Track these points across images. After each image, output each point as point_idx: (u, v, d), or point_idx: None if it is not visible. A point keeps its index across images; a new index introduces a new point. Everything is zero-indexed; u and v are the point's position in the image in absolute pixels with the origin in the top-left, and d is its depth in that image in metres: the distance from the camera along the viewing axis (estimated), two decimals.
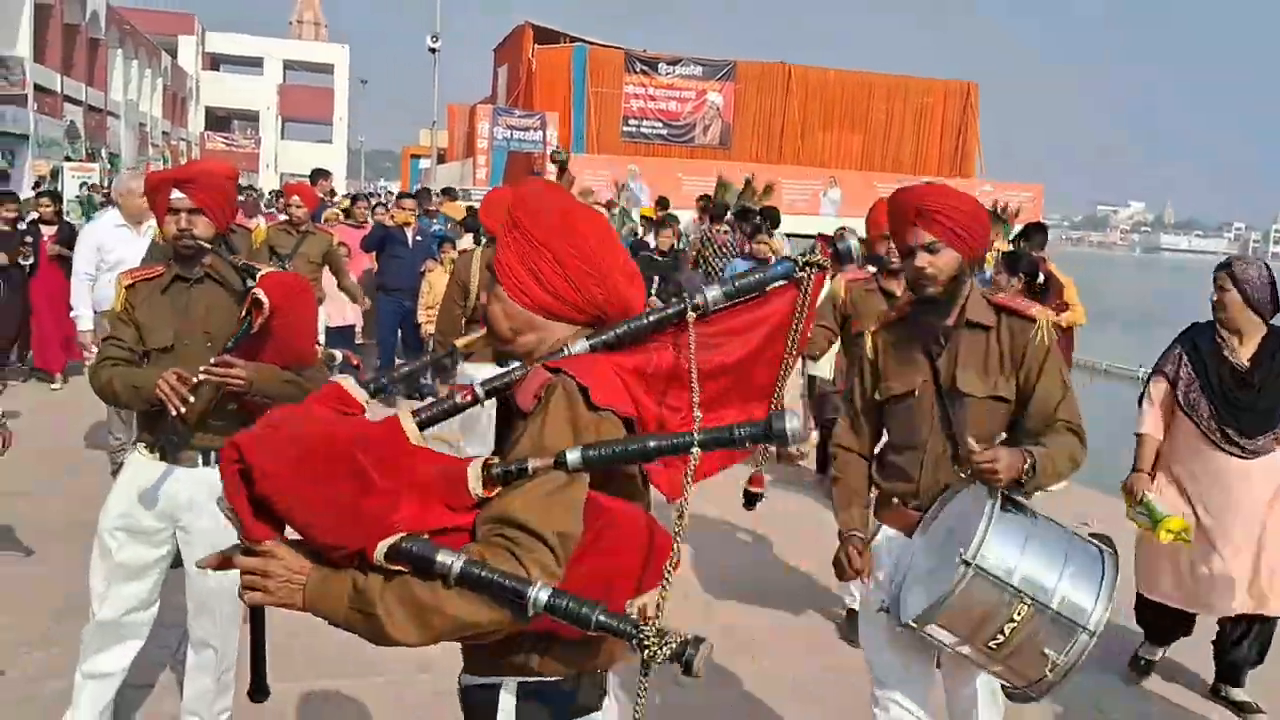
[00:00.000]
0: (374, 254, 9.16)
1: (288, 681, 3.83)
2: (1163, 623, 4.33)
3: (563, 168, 8.41)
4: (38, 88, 26.84)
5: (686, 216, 12.57)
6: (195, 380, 2.81)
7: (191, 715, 3.28)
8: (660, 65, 26.96)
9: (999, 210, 10.91)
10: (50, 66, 28.73)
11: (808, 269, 1.77)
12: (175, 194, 2.98)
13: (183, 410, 2.80)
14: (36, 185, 18.15)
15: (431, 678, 3.88)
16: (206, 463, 3.07)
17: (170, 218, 3.01)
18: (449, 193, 11.30)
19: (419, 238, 9.19)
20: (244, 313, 2.91)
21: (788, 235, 26.06)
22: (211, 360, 2.83)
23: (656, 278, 9.26)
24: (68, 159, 26.53)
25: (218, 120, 59.37)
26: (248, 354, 2.90)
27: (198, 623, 3.23)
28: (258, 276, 2.95)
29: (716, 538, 6.00)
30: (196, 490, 3.07)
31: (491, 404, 1.75)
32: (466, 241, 9.57)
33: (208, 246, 3.04)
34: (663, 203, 12.01)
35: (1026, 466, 2.47)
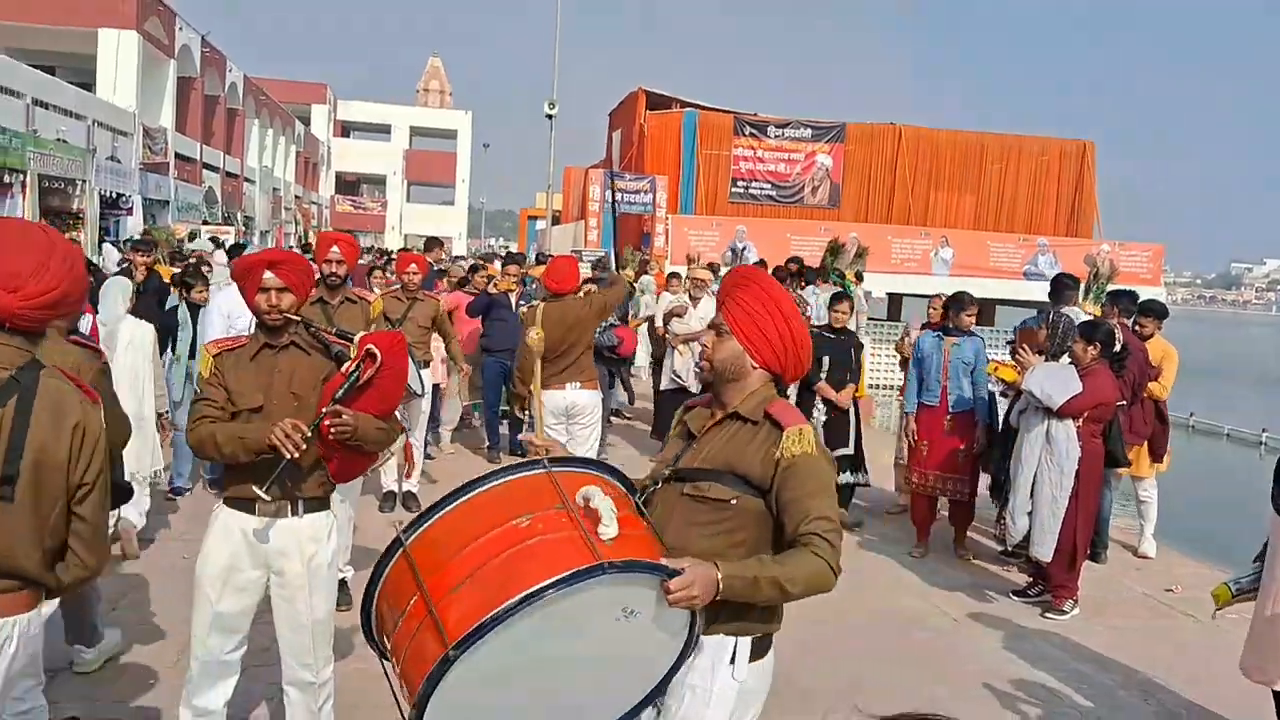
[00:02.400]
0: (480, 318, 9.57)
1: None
2: None
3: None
4: (179, 156, 28.49)
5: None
6: (307, 429, 3.14)
7: None
8: (769, 128, 27.26)
9: (1096, 271, 10.80)
10: (191, 136, 30.45)
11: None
12: (267, 274, 3.35)
13: (296, 455, 3.13)
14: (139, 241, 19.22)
15: None
16: (295, 512, 3.40)
17: (261, 295, 3.37)
18: (513, 258, 11.68)
19: (521, 302, 9.56)
20: (354, 365, 3.25)
21: (902, 295, 26.00)
22: (324, 410, 3.17)
23: (825, 357, 7.73)
24: (205, 222, 28.03)
25: (347, 184, 61.82)
26: (350, 404, 3.24)
27: (291, 661, 3.52)
28: (357, 338, 3.34)
29: None
30: (289, 539, 3.40)
31: None
32: None
33: (294, 318, 3.41)
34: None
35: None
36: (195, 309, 7.50)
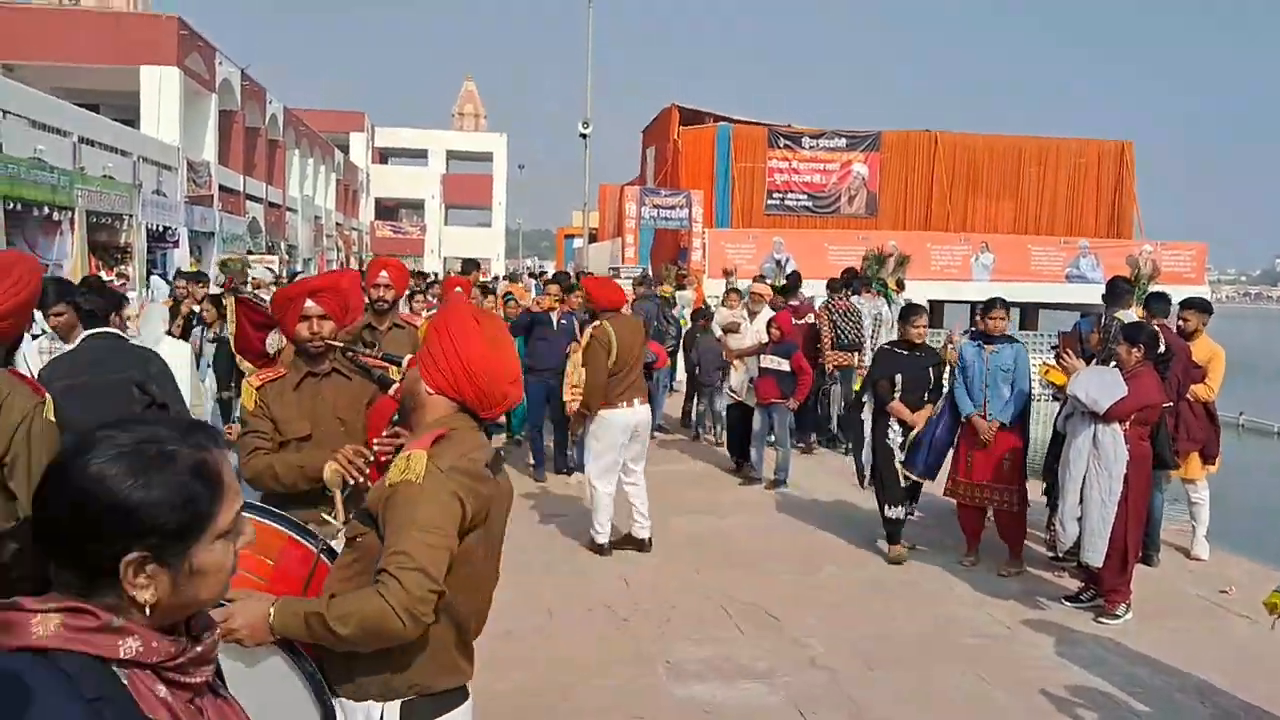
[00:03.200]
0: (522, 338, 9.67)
1: None
2: None
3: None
4: (222, 188, 28.93)
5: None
6: (369, 453, 3.22)
7: None
8: (803, 139, 27.27)
9: (1138, 272, 10.74)
10: (233, 168, 30.92)
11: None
12: (308, 303, 3.44)
13: (363, 480, 3.22)
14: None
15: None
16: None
17: (303, 323, 3.45)
18: (556, 278, 11.80)
19: (563, 320, 9.65)
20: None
21: (943, 301, 25.85)
22: (384, 433, 3.23)
23: (899, 375, 7.19)
24: (250, 252, 28.42)
25: (386, 210, 62.43)
26: (405, 426, 3.32)
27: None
28: (405, 361, 3.40)
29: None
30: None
31: None
32: None
33: (336, 344, 3.50)
34: (794, 279, 12.21)
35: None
36: (226, 343, 7.18)
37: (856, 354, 11.11)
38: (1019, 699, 4.93)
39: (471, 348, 2.39)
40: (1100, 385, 5.80)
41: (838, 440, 11.49)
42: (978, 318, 7.54)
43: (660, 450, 10.65)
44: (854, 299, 11.48)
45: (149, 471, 1.25)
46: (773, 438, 9.59)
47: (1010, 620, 6.03)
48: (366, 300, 5.53)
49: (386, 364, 3.58)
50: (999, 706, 4.87)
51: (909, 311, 7.55)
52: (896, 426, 7.17)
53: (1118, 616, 6.00)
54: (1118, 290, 7.69)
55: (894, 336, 11.81)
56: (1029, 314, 26.76)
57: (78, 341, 4.55)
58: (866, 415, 7.41)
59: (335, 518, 3.25)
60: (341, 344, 3.55)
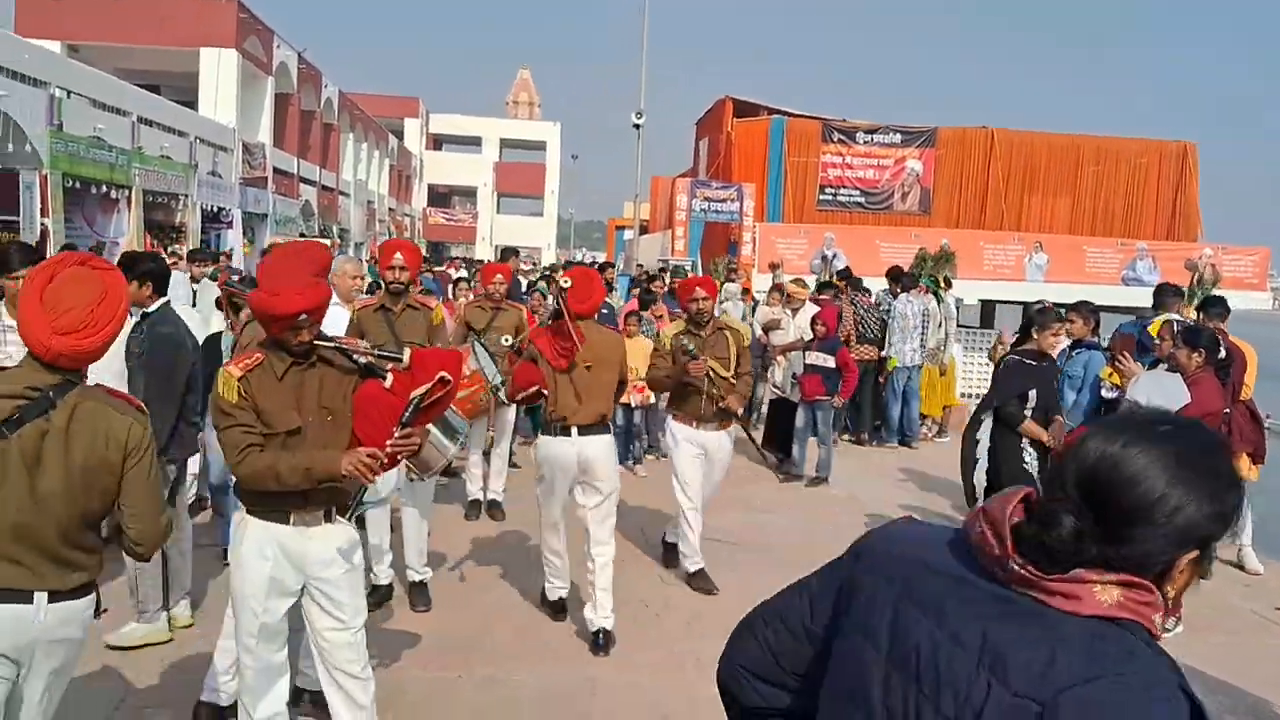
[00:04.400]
0: None
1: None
2: None
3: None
4: (276, 170, 29.21)
5: (881, 285, 12.58)
6: (383, 454, 3.17)
7: None
8: (858, 134, 26.99)
9: (1200, 276, 10.47)
10: (288, 151, 31.22)
11: None
12: (301, 317, 3.25)
13: (377, 481, 3.18)
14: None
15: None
16: (329, 519, 3.42)
17: (291, 332, 3.27)
18: (603, 269, 11.75)
19: (604, 310, 9.57)
20: (426, 389, 3.25)
21: (994, 301, 25.48)
22: (396, 434, 3.18)
23: (1032, 391, 6.43)
24: (302, 235, 28.68)
25: (438, 196, 62.77)
26: (413, 422, 3.25)
27: (336, 664, 3.51)
28: (406, 354, 3.35)
29: None
30: (325, 545, 3.42)
31: None
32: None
33: (322, 342, 3.39)
34: (845, 274, 12.06)
35: None
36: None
37: (878, 349, 11.28)
38: None
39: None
40: (1162, 391, 5.57)
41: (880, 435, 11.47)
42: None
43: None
44: (901, 297, 11.33)
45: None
46: (816, 435, 9.47)
47: None
48: (374, 282, 5.50)
49: (362, 345, 3.51)
50: None
51: (1044, 316, 6.63)
52: (1031, 449, 6.37)
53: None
54: (1165, 296, 7.50)
55: (943, 335, 11.70)
56: None
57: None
58: (984, 434, 6.57)
59: (349, 517, 3.26)
60: (327, 340, 3.42)
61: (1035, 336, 6.48)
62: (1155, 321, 7.14)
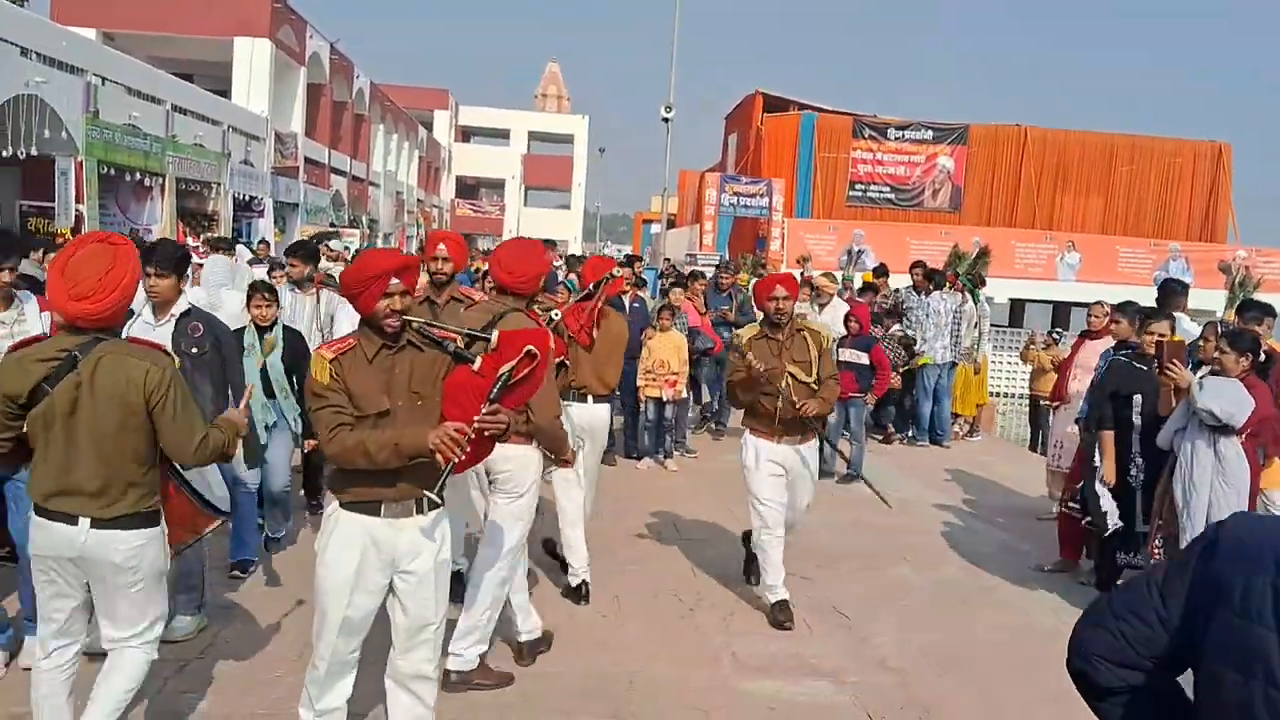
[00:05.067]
0: None
1: None
2: None
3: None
4: (308, 160, 29.34)
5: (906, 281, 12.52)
6: (469, 431, 3.15)
7: None
8: (889, 130, 26.85)
9: (1243, 280, 10.35)
10: (319, 141, 31.34)
11: None
12: (393, 280, 3.31)
13: (462, 459, 3.16)
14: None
15: None
16: (420, 510, 3.40)
17: (385, 300, 3.30)
18: (629, 261, 11.70)
19: (635, 305, 9.55)
20: (514, 365, 3.24)
21: (1025, 300, 25.30)
22: (483, 410, 3.17)
23: (1138, 396, 6.10)
24: (332, 224, 28.81)
25: (467, 188, 62.95)
26: (500, 401, 3.24)
27: (407, 660, 3.53)
28: (495, 335, 3.36)
29: None
30: (414, 537, 3.40)
31: None
32: None
33: (412, 320, 3.42)
34: (881, 270, 12.01)
35: None
36: (261, 330, 6.07)
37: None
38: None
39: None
40: (1231, 398, 5.36)
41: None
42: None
43: (730, 440, 10.52)
44: (935, 295, 11.26)
45: None
46: (848, 432, 9.44)
47: None
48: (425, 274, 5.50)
49: (456, 335, 3.49)
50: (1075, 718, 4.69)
51: (1152, 313, 6.34)
52: (1139, 461, 6.08)
53: None
54: (1169, 293, 7.35)
55: (977, 334, 11.62)
56: None
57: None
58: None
59: (437, 494, 3.23)
60: (416, 320, 3.45)
61: (1144, 336, 6.15)
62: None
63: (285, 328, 6.22)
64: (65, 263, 3.26)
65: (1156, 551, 5.85)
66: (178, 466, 3.53)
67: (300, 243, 9.82)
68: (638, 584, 6.06)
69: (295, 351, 6.08)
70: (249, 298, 6.11)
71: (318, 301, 7.58)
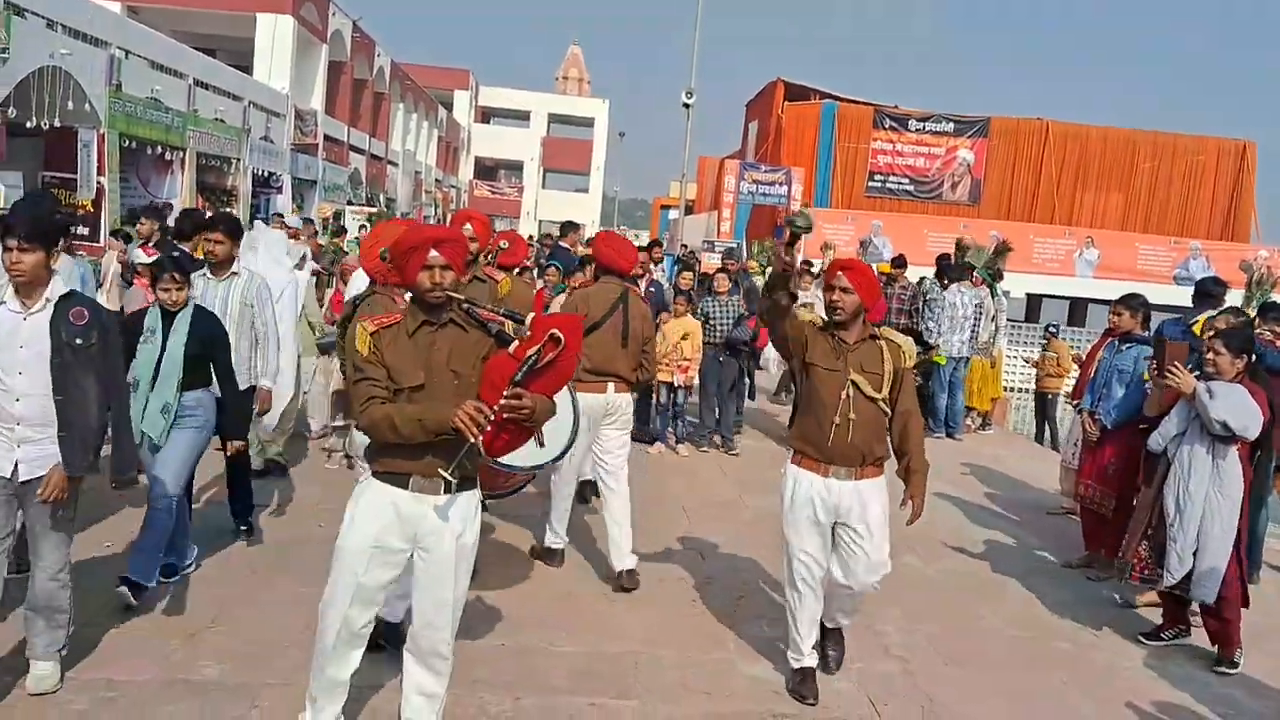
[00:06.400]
0: None
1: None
2: None
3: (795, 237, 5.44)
4: (327, 138, 29.39)
5: (925, 274, 12.48)
6: (490, 411, 3.15)
7: None
8: (910, 121, 26.75)
9: (1260, 278, 10.28)
10: (339, 118, 31.39)
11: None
12: (432, 253, 3.34)
13: (482, 437, 3.16)
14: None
15: None
16: (448, 490, 3.36)
17: (425, 272, 3.33)
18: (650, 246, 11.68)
19: (651, 289, 9.55)
20: (536, 348, 3.23)
21: (1041, 296, 25.16)
22: (506, 393, 3.17)
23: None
24: (350, 203, 28.87)
25: (485, 169, 62.94)
26: (527, 385, 3.24)
27: (427, 634, 3.53)
28: (529, 319, 3.34)
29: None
30: (440, 516, 3.40)
31: None
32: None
33: (455, 295, 3.40)
34: (899, 261, 11.96)
35: None
36: (170, 316, 5.07)
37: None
38: (1103, 710, 4.75)
39: None
40: (1242, 408, 5.14)
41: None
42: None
43: (748, 429, 10.53)
44: (951, 288, 11.22)
45: None
46: None
47: (1098, 627, 5.81)
48: None
49: (503, 319, 3.48)
50: (1081, 715, 4.69)
51: (1269, 311, 6.08)
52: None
53: (1236, 665, 5.32)
54: (1206, 294, 7.30)
55: (993, 328, 11.58)
56: None
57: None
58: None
59: (451, 473, 3.23)
60: (462, 296, 3.43)
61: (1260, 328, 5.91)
62: (1200, 319, 6.95)
63: (198, 309, 5.15)
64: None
65: (1141, 561, 5.61)
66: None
67: (187, 211, 9.41)
68: (644, 567, 6.06)
69: (205, 339, 5.08)
70: (155, 279, 5.10)
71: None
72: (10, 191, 13.41)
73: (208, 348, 5.08)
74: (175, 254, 7.10)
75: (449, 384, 3.34)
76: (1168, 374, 5.40)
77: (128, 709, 3.92)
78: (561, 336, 3.25)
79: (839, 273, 4.43)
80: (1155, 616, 5.91)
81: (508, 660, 4.64)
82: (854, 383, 4.33)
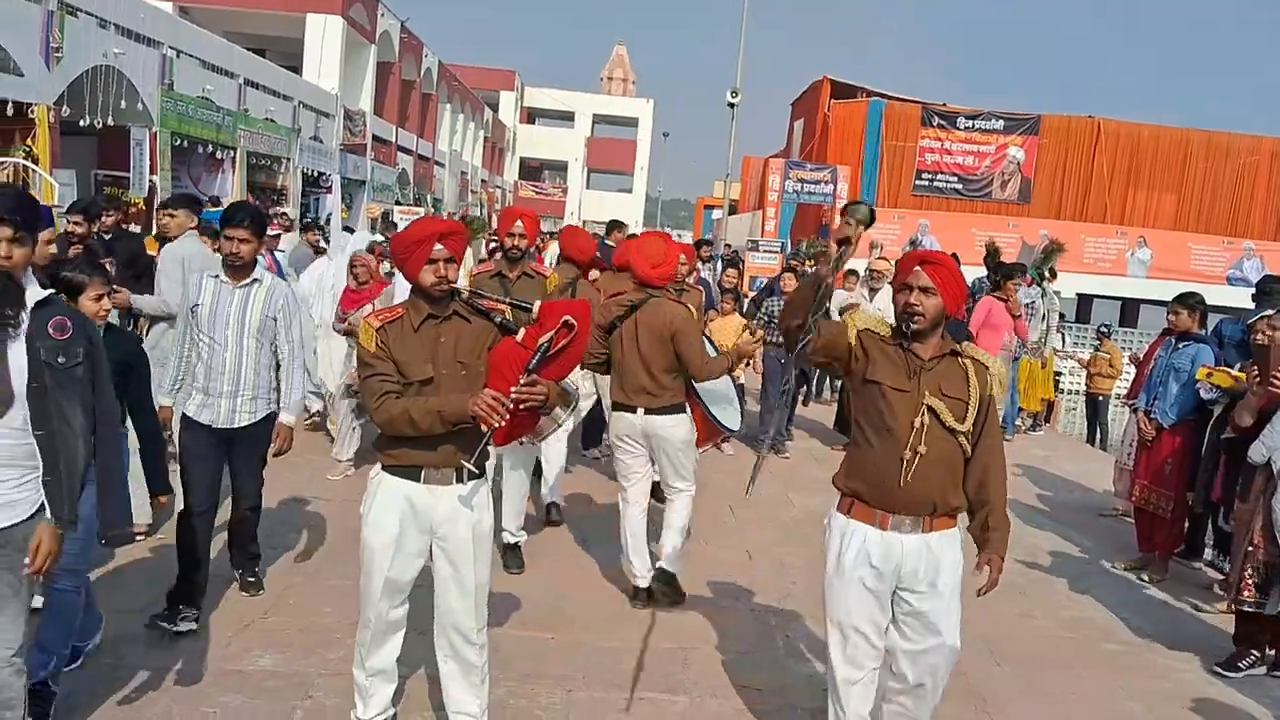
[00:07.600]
0: None
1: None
2: None
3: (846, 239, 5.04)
4: (376, 138, 29.63)
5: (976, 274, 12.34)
6: (508, 400, 3.17)
7: (462, 715, 3.63)
8: (958, 119, 26.48)
9: None
10: (388, 119, 31.62)
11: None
12: (437, 246, 3.36)
13: (501, 426, 3.17)
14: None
15: None
16: (460, 480, 3.43)
17: (429, 267, 3.36)
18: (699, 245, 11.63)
19: (699, 286, 9.53)
20: (549, 334, 3.25)
21: (1093, 296, 24.79)
22: (522, 381, 3.19)
23: None
24: (397, 203, 29.08)
25: (530, 170, 63.18)
26: (540, 371, 3.26)
27: (453, 623, 3.55)
28: (536, 306, 3.37)
29: None
30: (452, 504, 3.44)
31: None
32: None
33: (458, 288, 3.45)
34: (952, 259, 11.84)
35: None
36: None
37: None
38: (1154, 710, 4.67)
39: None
40: None
41: None
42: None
43: (798, 432, 10.49)
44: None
45: None
46: None
47: (1150, 629, 5.72)
48: (498, 248, 5.52)
49: (505, 307, 3.51)
50: (1132, 715, 4.62)
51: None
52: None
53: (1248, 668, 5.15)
54: (1269, 291, 7.16)
55: (1045, 328, 11.43)
56: None
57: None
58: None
59: (474, 463, 3.25)
60: (463, 288, 3.48)
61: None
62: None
63: (110, 326, 4.23)
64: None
65: (1250, 585, 5.08)
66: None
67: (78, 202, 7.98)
68: (693, 566, 6.05)
69: (119, 361, 3.89)
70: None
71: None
72: (64, 189, 13.63)
73: (124, 369, 3.97)
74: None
75: (457, 375, 3.38)
76: (1274, 380, 5.05)
77: (181, 698, 3.97)
78: (575, 323, 3.28)
79: (917, 268, 3.36)
80: (1217, 622, 5.81)
81: (558, 654, 4.65)
82: (930, 409, 3.32)
